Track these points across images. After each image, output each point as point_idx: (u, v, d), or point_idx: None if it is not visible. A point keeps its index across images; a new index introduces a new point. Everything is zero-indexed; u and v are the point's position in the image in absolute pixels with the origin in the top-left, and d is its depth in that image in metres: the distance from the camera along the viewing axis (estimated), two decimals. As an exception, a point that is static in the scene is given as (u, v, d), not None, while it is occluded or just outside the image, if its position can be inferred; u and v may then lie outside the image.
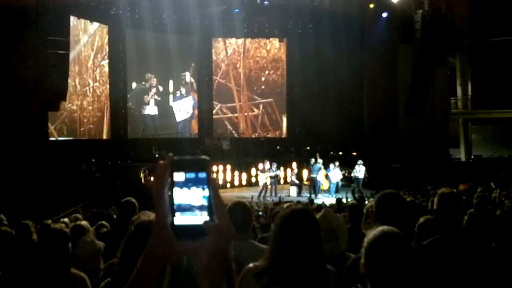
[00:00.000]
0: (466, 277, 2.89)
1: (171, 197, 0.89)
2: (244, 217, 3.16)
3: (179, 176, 0.89)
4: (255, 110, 27.50)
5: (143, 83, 25.86)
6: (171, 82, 26.69)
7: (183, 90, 27.05)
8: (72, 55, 20.42)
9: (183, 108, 27.16)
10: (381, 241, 1.91)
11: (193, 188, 0.89)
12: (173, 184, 0.90)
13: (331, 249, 2.90)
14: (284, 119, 27.76)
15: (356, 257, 2.62)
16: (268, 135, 27.35)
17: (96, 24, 23.22)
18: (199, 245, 0.90)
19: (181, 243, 0.90)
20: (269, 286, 2.12)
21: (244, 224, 3.16)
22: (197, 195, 0.89)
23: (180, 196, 0.89)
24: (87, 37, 22.98)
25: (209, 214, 0.89)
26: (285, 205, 4.27)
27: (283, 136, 27.70)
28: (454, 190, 3.41)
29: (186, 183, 0.89)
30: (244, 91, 27.38)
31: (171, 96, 26.79)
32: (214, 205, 0.90)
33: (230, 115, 27.40)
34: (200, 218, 0.89)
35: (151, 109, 26.05)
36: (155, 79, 26.05)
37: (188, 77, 27.14)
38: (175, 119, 26.75)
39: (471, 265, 2.90)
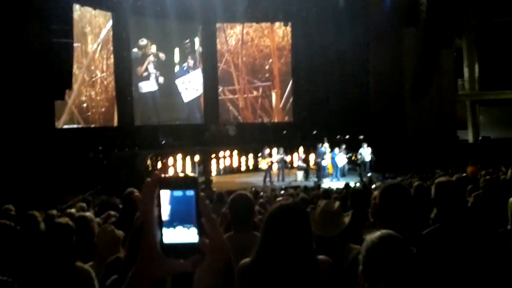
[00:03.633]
0: (468, 266, 2.85)
1: (159, 215, 0.88)
2: (246, 209, 3.16)
3: (166, 194, 0.88)
4: (254, 92, 27.29)
5: (136, 50, 24.20)
6: (176, 50, 25.25)
7: (190, 62, 25.60)
8: (77, 46, 20.47)
9: (191, 85, 25.59)
10: (379, 248, 1.85)
11: (181, 206, 0.88)
12: (160, 202, 0.88)
13: (330, 231, 2.90)
14: (273, 95, 27.41)
15: (358, 252, 2.59)
16: (273, 120, 27.26)
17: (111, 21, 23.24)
18: (189, 264, 0.88)
19: (170, 261, 0.88)
20: (258, 282, 2.12)
21: (246, 216, 3.16)
22: (185, 213, 0.88)
23: (168, 214, 0.88)
24: (106, 30, 23.03)
25: (198, 233, 0.88)
26: (277, 199, 4.28)
27: (274, 120, 27.46)
28: (451, 179, 3.35)
29: (174, 201, 0.88)
30: (243, 74, 27.15)
31: (176, 69, 25.25)
32: (205, 223, 0.89)
33: (231, 96, 27.09)
34: (189, 236, 0.88)
35: (150, 85, 24.40)
36: (153, 46, 24.28)
37: (196, 44, 25.94)
38: (181, 99, 25.54)
39: (474, 254, 2.86)
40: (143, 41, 24.18)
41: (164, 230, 0.88)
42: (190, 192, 0.88)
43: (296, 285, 2.10)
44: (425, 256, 2.57)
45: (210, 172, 19.90)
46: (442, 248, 2.84)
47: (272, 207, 2.39)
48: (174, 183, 0.88)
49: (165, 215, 0.88)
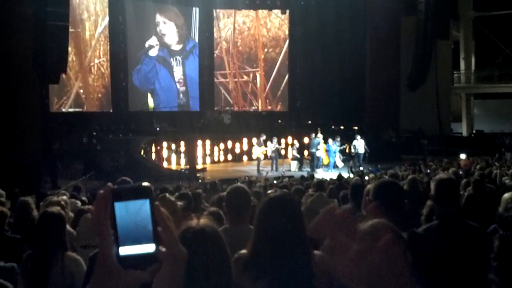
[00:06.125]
0: (465, 262, 2.87)
1: (114, 227, 0.86)
2: (242, 202, 3.17)
3: (120, 205, 0.86)
4: (245, 77, 27.20)
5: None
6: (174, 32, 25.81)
7: (185, 46, 25.98)
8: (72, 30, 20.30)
9: (186, 70, 26.16)
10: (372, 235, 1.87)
11: (136, 216, 0.86)
12: (114, 213, 0.86)
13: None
14: (257, 74, 27.34)
15: None
16: (262, 108, 27.24)
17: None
18: (148, 274, 0.87)
19: (128, 273, 0.87)
20: (255, 279, 2.12)
21: (243, 209, 3.17)
22: (141, 223, 0.86)
23: (124, 225, 0.86)
24: (108, 20, 23.06)
25: (154, 242, 0.87)
26: (269, 191, 4.25)
27: (258, 106, 27.43)
28: (452, 176, 3.38)
29: (129, 212, 0.86)
30: (234, 59, 27.02)
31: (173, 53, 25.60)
32: (162, 232, 0.87)
33: (222, 80, 27.00)
34: (145, 246, 0.86)
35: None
36: (158, 42, 24.82)
37: (193, 29, 26.16)
38: (176, 84, 25.91)
39: (471, 250, 2.89)
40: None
41: (120, 241, 0.86)
42: (145, 202, 0.87)
43: (290, 276, 2.11)
44: (423, 253, 2.57)
45: (196, 160, 19.88)
46: (442, 245, 2.87)
47: (262, 201, 2.41)
48: (128, 194, 0.87)
49: (120, 227, 0.86)
